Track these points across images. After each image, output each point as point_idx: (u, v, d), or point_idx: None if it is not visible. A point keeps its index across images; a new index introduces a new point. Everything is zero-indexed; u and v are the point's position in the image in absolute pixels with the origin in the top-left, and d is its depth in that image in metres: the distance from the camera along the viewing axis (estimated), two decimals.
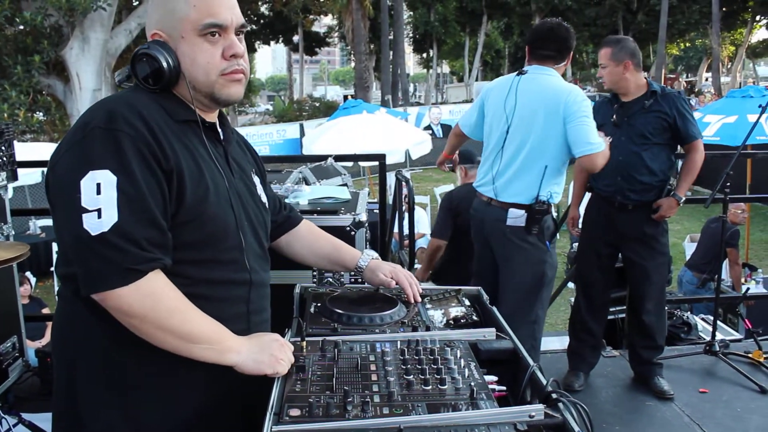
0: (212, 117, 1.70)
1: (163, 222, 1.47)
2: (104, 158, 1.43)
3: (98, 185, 1.41)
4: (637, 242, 3.89)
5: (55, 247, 10.05)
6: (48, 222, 10.75)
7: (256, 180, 1.85)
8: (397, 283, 2.02)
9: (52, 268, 9.95)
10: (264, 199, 1.85)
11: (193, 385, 1.59)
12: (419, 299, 2.01)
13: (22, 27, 12.44)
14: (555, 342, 4.65)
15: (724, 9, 32.64)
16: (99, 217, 1.40)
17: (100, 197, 1.41)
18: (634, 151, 3.73)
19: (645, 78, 3.87)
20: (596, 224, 4.03)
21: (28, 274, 7.37)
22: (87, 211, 1.41)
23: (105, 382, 1.56)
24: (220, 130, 1.71)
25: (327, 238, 2.13)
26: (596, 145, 3.27)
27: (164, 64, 1.55)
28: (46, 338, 6.29)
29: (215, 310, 1.57)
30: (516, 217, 3.39)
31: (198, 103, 1.62)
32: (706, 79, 30.12)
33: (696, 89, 24.88)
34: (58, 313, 1.66)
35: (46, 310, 6.71)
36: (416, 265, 4.98)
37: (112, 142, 1.44)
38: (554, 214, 3.55)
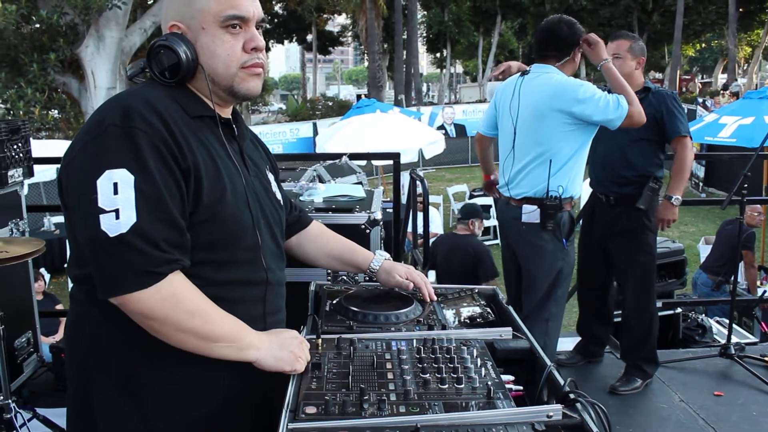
0: (227, 113, 1.67)
1: (181, 222, 1.44)
2: (121, 157, 1.39)
3: (115, 185, 1.38)
4: (618, 237, 3.93)
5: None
6: (62, 218, 10.78)
7: (271, 177, 1.83)
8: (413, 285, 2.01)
9: (66, 265, 9.98)
10: (279, 196, 1.83)
11: (208, 387, 1.57)
12: (435, 298, 2.00)
13: (38, 25, 12.52)
14: (568, 343, 4.62)
15: (740, 10, 32.40)
16: (117, 217, 1.37)
17: (118, 197, 1.38)
18: (617, 144, 3.77)
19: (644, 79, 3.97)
20: (587, 218, 4.20)
21: (42, 270, 7.42)
22: (104, 211, 1.37)
23: (120, 386, 1.53)
24: (234, 126, 1.69)
25: (338, 239, 2.10)
26: (620, 110, 3.26)
27: (183, 56, 1.51)
28: (60, 334, 6.33)
29: (231, 312, 1.54)
30: (530, 213, 3.44)
31: (216, 97, 1.59)
32: (735, 79, 29.89)
33: (729, 89, 24.71)
34: (70, 315, 1.63)
35: (59, 306, 6.74)
36: None
37: (129, 140, 1.40)
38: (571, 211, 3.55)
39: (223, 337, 1.49)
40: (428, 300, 1.98)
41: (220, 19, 1.54)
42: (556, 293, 3.52)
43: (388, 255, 2.08)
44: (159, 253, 1.40)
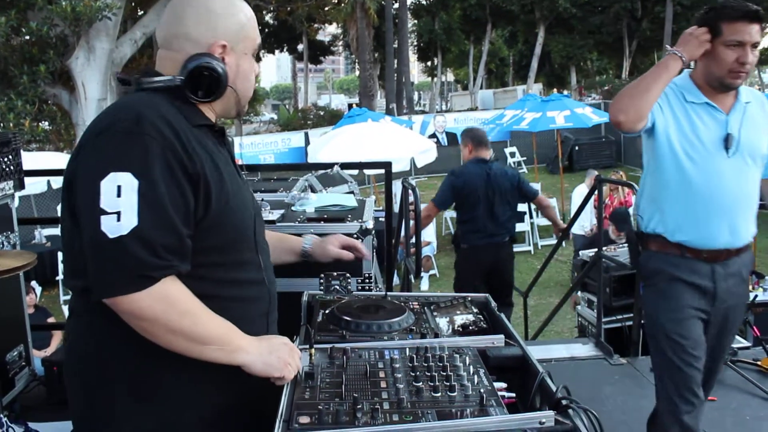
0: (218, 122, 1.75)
1: (182, 229, 1.47)
2: (127, 161, 1.42)
3: (119, 188, 1.41)
4: None
5: (61, 256, 10.08)
6: (53, 231, 10.76)
7: None
8: (351, 250, 2.17)
9: (58, 278, 9.96)
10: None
11: (196, 397, 1.59)
12: (368, 256, 2.18)
13: (28, 37, 12.51)
14: (562, 350, 4.64)
15: None
16: (118, 219, 1.40)
17: (121, 200, 1.40)
18: None
19: None
20: None
21: (33, 283, 7.38)
22: (105, 213, 1.40)
23: (137, 394, 1.55)
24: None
25: (270, 233, 2.12)
26: None
27: (224, 80, 1.61)
28: (52, 347, 6.30)
29: (244, 311, 1.62)
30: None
31: (224, 112, 1.72)
32: None
33: None
34: (74, 327, 1.62)
35: (51, 319, 6.72)
36: (422, 274, 4.99)
37: (138, 146, 1.44)
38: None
39: (213, 340, 1.50)
40: (364, 256, 2.14)
41: (255, 48, 1.71)
42: (653, 345, 2.78)
43: (314, 235, 2.22)
44: (155, 260, 1.42)
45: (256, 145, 18.65)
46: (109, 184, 1.40)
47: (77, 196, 1.48)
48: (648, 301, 2.79)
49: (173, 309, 1.45)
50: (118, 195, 1.40)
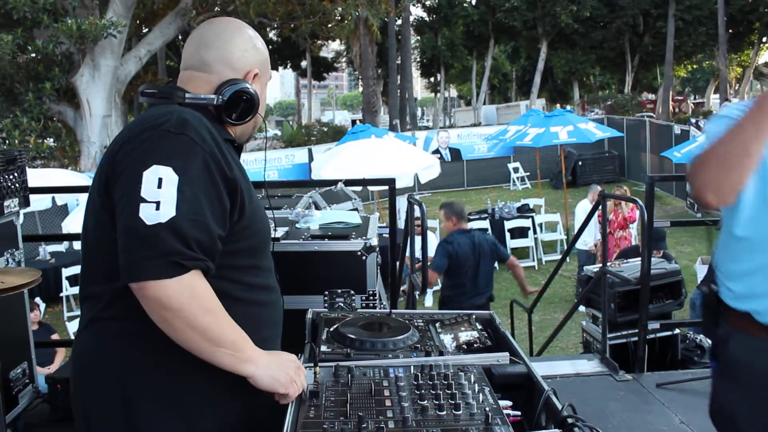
0: None
1: (214, 230, 1.51)
2: (170, 157, 1.49)
3: (160, 180, 1.46)
4: None
5: (65, 272, 10.08)
6: (57, 247, 10.77)
7: None
8: None
9: (62, 294, 9.97)
10: None
11: (222, 407, 1.61)
12: None
13: (34, 55, 12.60)
14: (567, 366, 4.61)
15: (730, 31, 32.68)
16: (157, 209, 1.44)
17: (161, 191, 1.46)
18: None
19: None
20: None
21: (37, 299, 7.38)
22: (145, 201, 1.45)
23: (161, 399, 1.56)
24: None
25: None
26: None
27: (256, 108, 1.74)
28: (56, 364, 6.28)
29: (269, 315, 1.70)
30: None
31: (244, 137, 1.81)
32: (727, 99, 29.99)
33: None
34: (98, 336, 1.61)
35: (55, 336, 6.70)
36: (428, 289, 4.98)
37: (181, 146, 1.51)
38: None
39: (227, 344, 1.52)
40: None
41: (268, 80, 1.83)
42: None
43: None
44: (188, 251, 1.46)
45: (260, 162, 18.67)
46: (151, 175, 1.46)
47: (118, 186, 1.52)
48: (726, 394, 2.01)
49: (198, 302, 1.47)
50: (159, 186, 1.46)
